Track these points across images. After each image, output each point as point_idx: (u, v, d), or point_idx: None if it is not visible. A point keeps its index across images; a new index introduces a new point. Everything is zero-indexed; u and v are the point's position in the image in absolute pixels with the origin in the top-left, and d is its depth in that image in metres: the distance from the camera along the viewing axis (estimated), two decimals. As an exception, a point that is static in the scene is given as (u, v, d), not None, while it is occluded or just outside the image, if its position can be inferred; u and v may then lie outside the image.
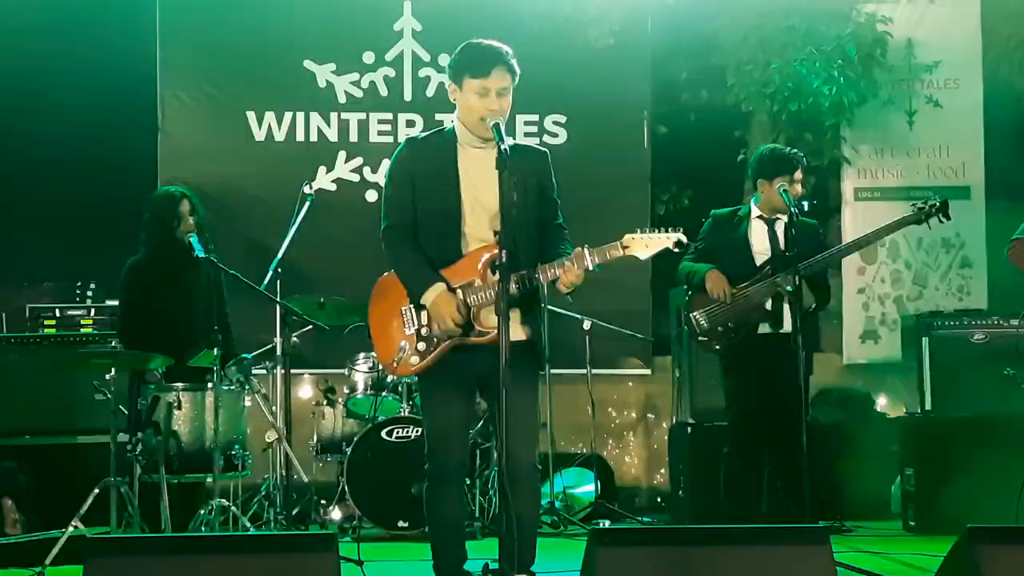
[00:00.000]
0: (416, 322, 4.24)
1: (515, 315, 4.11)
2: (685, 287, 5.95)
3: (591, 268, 4.09)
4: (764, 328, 5.73)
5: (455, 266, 4.20)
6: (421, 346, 4.22)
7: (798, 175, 5.82)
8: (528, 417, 4.22)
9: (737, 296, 5.70)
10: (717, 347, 5.81)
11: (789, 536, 3.44)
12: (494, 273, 4.06)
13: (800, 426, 5.16)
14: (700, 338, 5.83)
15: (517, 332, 4.14)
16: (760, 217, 5.87)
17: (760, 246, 5.81)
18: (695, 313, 5.81)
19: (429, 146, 4.31)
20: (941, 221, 5.71)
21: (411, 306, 4.24)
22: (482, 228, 4.19)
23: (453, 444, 4.29)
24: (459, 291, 4.16)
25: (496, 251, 4.02)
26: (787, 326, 5.58)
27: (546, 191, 4.31)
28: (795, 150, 6.04)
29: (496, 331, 3.91)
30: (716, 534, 3.58)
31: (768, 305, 5.70)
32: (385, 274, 4.36)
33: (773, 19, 8.17)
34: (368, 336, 4.39)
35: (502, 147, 4.00)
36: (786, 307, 5.58)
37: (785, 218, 5.71)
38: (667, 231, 4.17)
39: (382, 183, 8.26)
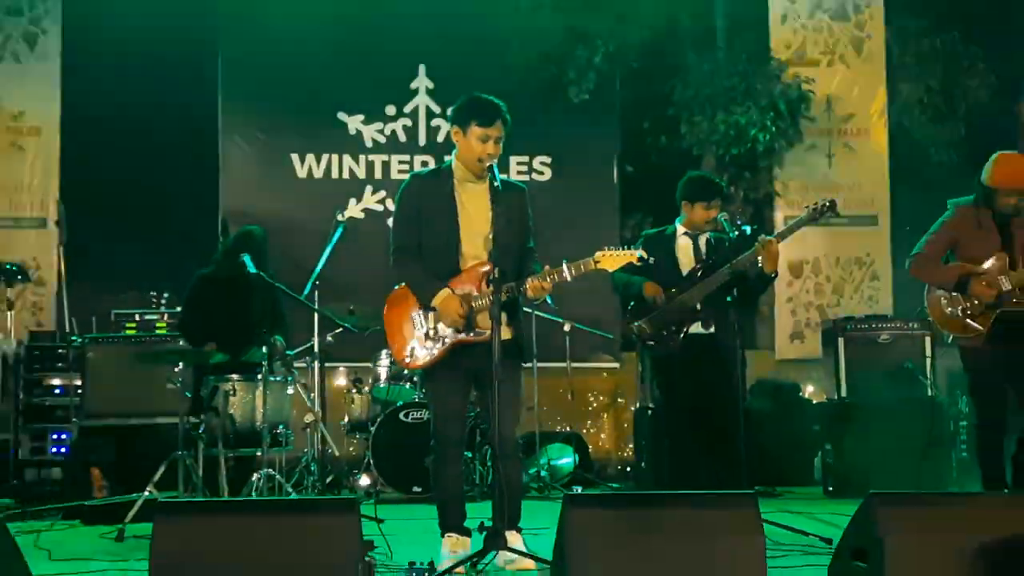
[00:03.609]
0: (424, 325, 4.26)
1: (502, 318, 4.12)
2: (628, 301, 5.58)
3: (569, 279, 4.12)
4: (695, 328, 5.40)
5: (456, 279, 4.22)
6: (429, 344, 4.25)
7: (714, 203, 5.39)
8: (514, 402, 4.23)
9: (673, 301, 5.39)
10: (663, 349, 5.45)
11: (723, 500, 3.45)
12: (488, 285, 4.09)
13: (733, 411, 5.01)
14: (648, 343, 5.48)
15: (504, 332, 4.16)
16: (686, 234, 5.54)
17: (686, 258, 5.49)
18: (638, 322, 5.47)
19: (430, 181, 4.33)
20: (832, 217, 5.17)
21: (420, 313, 4.26)
22: (475, 248, 4.22)
23: (454, 425, 4.32)
24: (460, 297, 4.19)
25: (489, 267, 4.06)
26: (712, 327, 5.36)
27: (525, 220, 4.34)
28: (717, 180, 5.66)
29: (489, 330, 3.98)
30: (664, 498, 3.61)
31: (699, 307, 5.35)
32: (396, 288, 4.37)
33: (718, 80, 8.24)
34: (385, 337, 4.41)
35: (495, 184, 4.04)
36: (714, 308, 5.30)
37: (707, 235, 5.46)
38: (630, 248, 4.22)
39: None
